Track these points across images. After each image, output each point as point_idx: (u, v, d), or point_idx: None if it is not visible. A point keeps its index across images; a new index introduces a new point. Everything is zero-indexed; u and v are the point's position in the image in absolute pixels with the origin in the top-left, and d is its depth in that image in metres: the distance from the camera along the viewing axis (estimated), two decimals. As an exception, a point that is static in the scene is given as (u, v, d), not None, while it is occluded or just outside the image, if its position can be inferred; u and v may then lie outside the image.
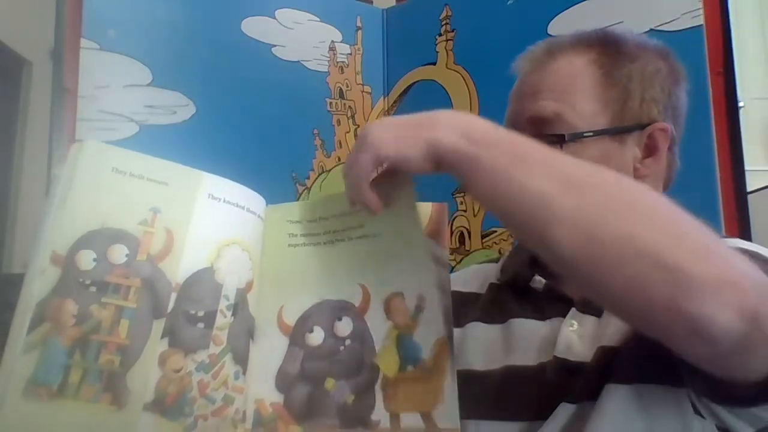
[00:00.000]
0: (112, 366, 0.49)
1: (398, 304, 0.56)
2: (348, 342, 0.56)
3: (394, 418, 0.53)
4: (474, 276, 0.81)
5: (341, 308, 0.57)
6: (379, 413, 0.53)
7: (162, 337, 0.51)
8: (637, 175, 0.68)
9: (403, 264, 0.57)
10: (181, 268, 0.53)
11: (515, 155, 0.49)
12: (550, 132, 0.66)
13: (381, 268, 0.57)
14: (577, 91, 0.68)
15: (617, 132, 0.67)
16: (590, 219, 0.46)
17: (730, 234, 1.13)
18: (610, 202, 0.47)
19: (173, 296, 0.52)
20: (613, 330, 0.63)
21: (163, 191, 0.54)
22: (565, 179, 0.47)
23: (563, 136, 0.65)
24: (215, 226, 0.56)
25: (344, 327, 0.56)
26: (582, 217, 0.46)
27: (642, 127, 0.68)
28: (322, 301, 0.58)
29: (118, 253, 0.51)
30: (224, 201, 0.57)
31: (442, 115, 0.52)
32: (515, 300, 0.73)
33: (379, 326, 0.56)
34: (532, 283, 0.72)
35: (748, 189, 1.15)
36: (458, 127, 0.50)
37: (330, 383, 0.55)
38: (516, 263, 0.76)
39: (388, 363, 0.55)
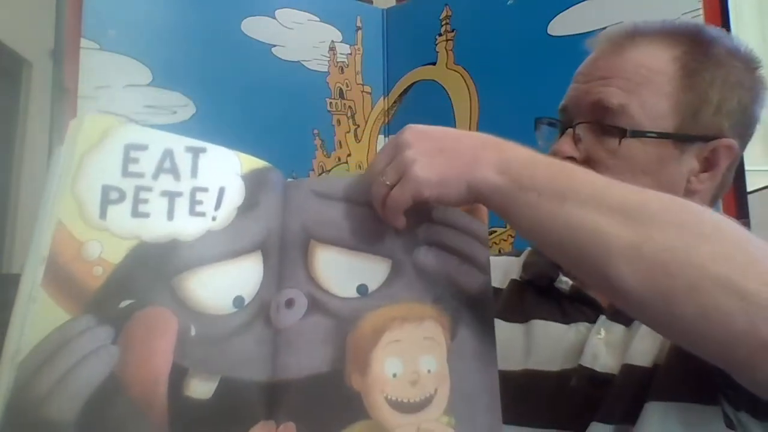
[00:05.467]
0: None
1: None
2: None
3: None
4: (492, 269, 0.79)
5: None
6: None
7: None
8: (689, 189, 0.64)
9: None
10: None
11: (561, 190, 0.46)
12: (610, 123, 0.63)
13: None
14: (651, 86, 0.63)
15: (681, 139, 0.63)
16: (653, 250, 0.43)
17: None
18: (671, 230, 0.44)
19: None
20: (640, 342, 0.60)
21: None
22: (619, 210, 0.45)
23: (624, 130, 0.62)
24: None
25: None
26: (644, 249, 0.43)
27: (708, 139, 0.63)
28: None
29: None
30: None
31: (483, 152, 0.49)
32: (538, 300, 0.70)
33: None
34: (557, 283, 0.69)
35: (748, 189, 1.14)
36: (498, 164, 0.48)
37: None
38: (540, 261, 0.72)
39: None
